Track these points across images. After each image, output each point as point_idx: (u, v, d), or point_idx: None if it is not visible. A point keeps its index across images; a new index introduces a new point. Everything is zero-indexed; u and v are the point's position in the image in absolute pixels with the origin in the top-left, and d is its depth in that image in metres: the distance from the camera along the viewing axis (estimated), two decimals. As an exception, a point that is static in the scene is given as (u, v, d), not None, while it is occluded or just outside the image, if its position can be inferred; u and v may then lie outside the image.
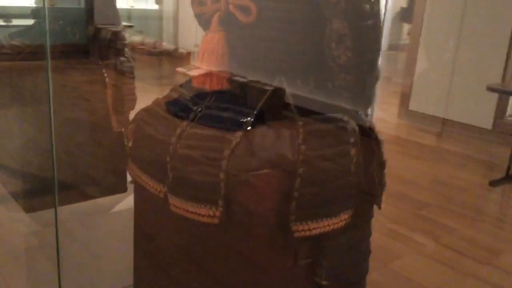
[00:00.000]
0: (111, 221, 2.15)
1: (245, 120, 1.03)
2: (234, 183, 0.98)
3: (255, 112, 1.03)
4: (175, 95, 1.21)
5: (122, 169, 2.04)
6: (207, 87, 1.12)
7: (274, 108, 1.05)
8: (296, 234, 1.05)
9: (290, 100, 1.06)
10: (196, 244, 1.11)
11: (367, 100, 1.08)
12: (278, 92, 1.05)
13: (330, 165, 1.05)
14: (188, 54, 5.31)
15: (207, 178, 1.00)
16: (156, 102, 1.23)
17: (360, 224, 1.17)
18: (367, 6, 0.96)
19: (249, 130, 1.01)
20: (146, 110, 1.23)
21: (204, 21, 1.17)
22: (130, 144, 1.24)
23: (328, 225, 1.08)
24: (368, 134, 1.12)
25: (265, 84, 1.06)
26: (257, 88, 1.06)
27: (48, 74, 1.29)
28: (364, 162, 1.11)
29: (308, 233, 1.06)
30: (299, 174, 1.01)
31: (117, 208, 2.18)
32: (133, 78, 2.01)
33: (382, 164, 1.13)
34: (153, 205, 1.18)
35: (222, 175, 0.98)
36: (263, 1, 1.04)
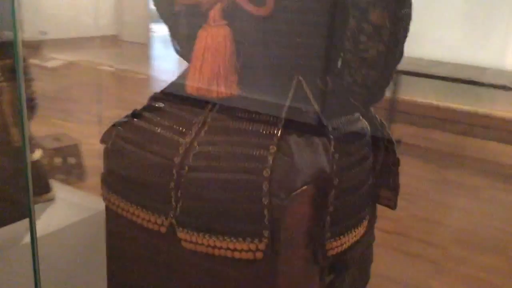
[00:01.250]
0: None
1: (273, 130, 0.87)
2: (278, 207, 0.82)
3: (282, 119, 0.88)
4: (160, 105, 0.99)
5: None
6: (211, 94, 0.92)
7: (298, 113, 0.92)
8: (330, 252, 0.94)
9: (312, 101, 0.93)
10: (214, 280, 0.93)
11: (381, 95, 1.00)
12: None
13: (357, 171, 0.96)
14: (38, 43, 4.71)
15: (244, 206, 0.83)
16: (133, 114, 1.00)
17: (369, 230, 1.11)
18: None
19: (281, 141, 0.86)
20: (123, 124, 0.99)
21: (193, 14, 0.96)
22: (104, 170, 0.99)
23: (355, 236, 1.00)
24: (381, 133, 1.04)
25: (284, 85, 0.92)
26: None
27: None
28: (378, 163, 1.04)
29: (340, 248, 0.96)
30: (334, 186, 0.90)
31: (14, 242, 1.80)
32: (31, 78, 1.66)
33: (395, 164, 1.06)
34: (145, 241, 0.96)
35: (265, 200, 0.82)
36: None
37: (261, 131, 0.88)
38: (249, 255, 0.83)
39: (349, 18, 0.90)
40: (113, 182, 0.98)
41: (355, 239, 1.00)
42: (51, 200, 1.93)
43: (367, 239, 1.10)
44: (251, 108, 0.90)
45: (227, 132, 0.90)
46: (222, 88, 0.91)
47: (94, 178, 3.02)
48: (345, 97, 0.98)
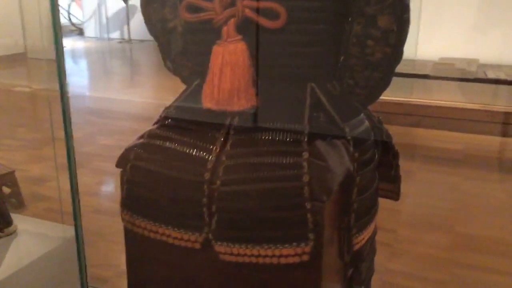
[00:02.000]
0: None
1: (300, 137, 0.91)
2: (320, 209, 0.86)
3: (306, 125, 0.92)
4: (174, 122, 0.99)
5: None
6: (232, 107, 0.94)
7: (317, 118, 0.96)
8: (355, 247, 1.00)
9: (328, 106, 0.98)
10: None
11: (380, 95, 1.08)
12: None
13: (370, 168, 1.02)
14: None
15: (287, 212, 0.86)
16: (150, 134, 0.98)
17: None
18: None
19: (310, 146, 0.90)
20: (140, 146, 0.97)
21: (199, 31, 0.97)
22: (124, 194, 0.97)
23: (371, 230, 1.06)
24: (379, 129, 1.11)
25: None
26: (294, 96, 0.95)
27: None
28: (379, 157, 1.11)
29: (362, 243, 1.02)
30: (356, 184, 0.96)
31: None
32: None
33: (395, 156, 1.14)
34: (176, 260, 0.96)
35: (308, 205, 0.85)
36: (291, 0, 0.92)
37: (287, 139, 0.91)
38: (296, 259, 0.87)
39: (354, 25, 0.96)
40: (137, 205, 0.96)
41: (371, 233, 1.06)
42: (13, 233, 1.83)
43: (374, 232, 1.17)
44: (272, 117, 0.93)
45: (253, 143, 0.92)
46: (243, 100, 0.93)
47: (35, 205, 2.87)
48: (350, 99, 1.04)
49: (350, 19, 0.99)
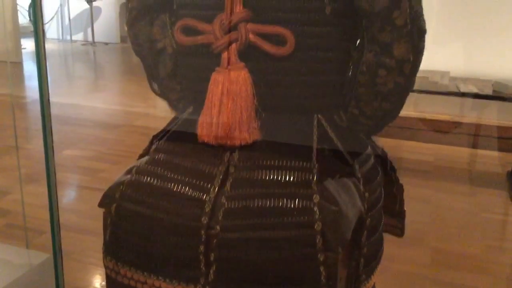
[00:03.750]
0: None
1: (308, 176, 0.82)
2: (333, 260, 0.78)
3: (315, 163, 0.83)
4: (165, 157, 0.88)
5: None
6: (233, 142, 0.84)
7: (325, 155, 0.87)
8: None
9: (335, 140, 0.89)
10: None
11: (386, 125, 1.00)
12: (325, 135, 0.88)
13: (379, 208, 0.95)
14: None
15: (297, 264, 0.77)
16: (138, 170, 0.87)
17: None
18: (424, 21, 0.87)
19: (319, 187, 0.82)
20: (127, 184, 0.86)
21: (201, 54, 0.87)
22: (108, 238, 0.86)
23: (377, 272, 0.99)
24: (383, 160, 1.04)
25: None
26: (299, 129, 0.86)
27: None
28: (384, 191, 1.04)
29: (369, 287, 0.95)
30: (366, 225, 0.88)
31: None
32: None
33: (399, 190, 1.07)
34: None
35: (321, 256, 0.76)
36: (300, 26, 0.83)
37: (294, 179, 0.82)
38: None
39: (365, 53, 0.88)
40: (123, 251, 0.85)
41: (376, 276, 0.98)
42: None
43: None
44: (277, 154, 0.84)
45: (256, 183, 0.83)
46: (245, 134, 0.83)
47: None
48: (356, 131, 0.97)
49: (358, 43, 0.92)
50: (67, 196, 3.14)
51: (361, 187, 0.88)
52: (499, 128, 3.96)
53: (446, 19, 4.06)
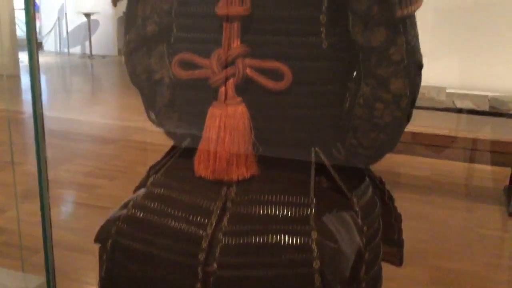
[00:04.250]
0: None
1: (305, 211, 0.82)
2: None
3: (312, 198, 0.83)
4: (162, 191, 0.87)
5: None
6: (231, 177, 0.84)
7: (323, 189, 0.87)
8: None
9: (333, 173, 0.89)
10: None
11: (385, 154, 1.00)
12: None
13: (377, 242, 0.94)
14: None
15: None
16: (135, 204, 0.87)
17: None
18: (421, 56, 0.87)
19: (318, 223, 0.81)
20: (123, 219, 0.86)
21: (198, 88, 0.87)
22: (103, 274, 0.85)
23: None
24: (381, 189, 1.04)
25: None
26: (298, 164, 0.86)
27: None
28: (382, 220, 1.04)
29: None
30: (365, 259, 0.88)
31: None
32: None
33: (397, 219, 1.07)
34: None
35: None
36: (297, 61, 0.83)
37: (292, 214, 0.82)
38: None
39: (362, 86, 0.88)
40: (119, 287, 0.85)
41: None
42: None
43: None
44: (275, 188, 0.84)
45: (253, 219, 0.82)
46: (242, 168, 0.83)
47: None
48: (354, 161, 0.96)
49: (354, 75, 0.92)
50: (63, 213, 3.12)
51: (359, 221, 0.87)
52: (495, 142, 3.97)
53: (441, 33, 4.08)
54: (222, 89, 0.84)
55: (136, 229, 0.85)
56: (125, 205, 0.89)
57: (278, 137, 0.88)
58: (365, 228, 0.88)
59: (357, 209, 0.88)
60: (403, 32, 0.82)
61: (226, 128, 0.82)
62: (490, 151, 3.98)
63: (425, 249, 2.72)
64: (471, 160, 3.90)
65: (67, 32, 8.73)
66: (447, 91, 3.87)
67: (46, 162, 1.47)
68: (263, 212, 0.82)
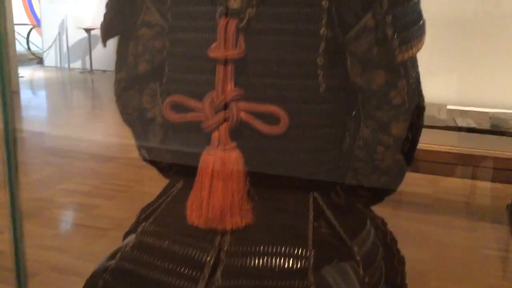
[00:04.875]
0: None
1: (304, 263, 0.78)
2: None
3: (311, 249, 0.79)
4: (153, 241, 0.84)
5: None
6: (224, 226, 0.80)
7: (321, 238, 0.83)
8: None
9: (332, 220, 0.85)
10: None
11: (385, 197, 0.96)
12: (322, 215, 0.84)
13: (382, 284, 0.90)
14: None
15: None
16: (123, 256, 0.83)
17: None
18: (423, 98, 0.84)
19: (316, 276, 0.77)
20: (110, 272, 0.82)
21: (191, 131, 0.84)
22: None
23: None
24: (383, 231, 1.00)
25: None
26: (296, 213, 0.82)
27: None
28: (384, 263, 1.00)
29: None
30: None
31: None
32: None
33: (401, 263, 1.02)
34: None
35: None
36: (294, 104, 0.80)
37: (290, 267, 0.78)
38: None
39: (362, 127, 0.85)
40: None
41: None
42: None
43: None
44: (271, 239, 0.80)
45: (248, 272, 0.78)
46: (237, 217, 0.79)
47: None
48: (354, 205, 0.93)
49: (354, 114, 0.89)
50: (61, 235, 3.08)
51: (361, 271, 0.84)
52: (497, 159, 3.94)
53: (439, 49, 4.06)
54: (216, 133, 0.80)
55: (124, 283, 0.81)
56: (113, 255, 0.85)
57: (275, 183, 0.84)
58: (367, 279, 0.84)
59: (358, 258, 0.84)
60: (404, 75, 0.79)
61: (220, 176, 0.79)
62: (493, 168, 3.95)
63: (427, 270, 2.68)
64: (473, 177, 3.86)
65: (67, 47, 8.74)
66: (448, 108, 3.84)
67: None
68: (258, 264, 0.78)
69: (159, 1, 0.87)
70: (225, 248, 0.80)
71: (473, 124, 3.42)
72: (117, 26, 0.91)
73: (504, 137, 3.41)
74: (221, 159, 0.79)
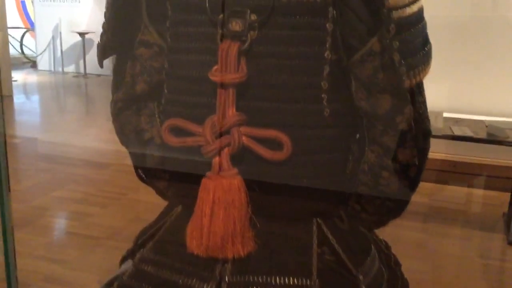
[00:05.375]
0: None
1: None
2: None
3: (315, 280, 0.77)
4: (151, 269, 0.81)
5: None
6: (225, 254, 0.77)
7: (326, 266, 0.81)
8: None
9: (337, 247, 0.83)
10: None
11: (390, 221, 0.94)
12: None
13: None
14: None
15: None
16: (120, 285, 0.80)
17: None
18: (429, 122, 0.82)
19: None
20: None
21: (190, 154, 0.81)
22: None
23: None
24: (387, 255, 0.98)
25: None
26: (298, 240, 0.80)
27: None
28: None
29: None
30: None
31: None
32: None
33: (405, 286, 1.00)
34: None
35: None
36: (297, 129, 0.78)
37: None
38: None
39: (367, 152, 0.83)
40: None
41: None
42: None
43: None
44: (274, 268, 0.78)
45: None
46: (238, 246, 0.77)
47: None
48: (358, 230, 0.90)
49: (358, 137, 0.86)
50: (54, 244, 3.04)
51: None
52: (493, 167, 3.94)
53: (436, 57, 4.05)
54: (216, 159, 0.77)
55: None
56: (111, 283, 0.82)
57: (277, 209, 0.82)
58: None
59: (363, 287, 0.81)
60: (410, 100, 0.77)
61: (221, 203, 0.76)
62: (489, 176, 3.95)
63: (424, 280, 2.66)
64: (469, 185, 3.86)
65: (61, 51, 8.69)
66: (444, 115, 3.83)
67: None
68: None
69: (158, 21, 0.85)
70: (226, 278, 0.78)
71: (469, 133, 3.42)
72: (114, 46, 0.88)
73: (501, 146, 3.40)
74: (222, 186, 0.76)
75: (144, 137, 0.92)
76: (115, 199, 3.59)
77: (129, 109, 0.92)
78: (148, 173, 0.98)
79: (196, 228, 0.78)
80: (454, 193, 3.96)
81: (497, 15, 3.88)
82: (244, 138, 0.77)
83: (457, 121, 3.79)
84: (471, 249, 3.07)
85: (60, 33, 8.63)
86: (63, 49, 8.69)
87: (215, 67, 0.77)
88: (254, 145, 0.77)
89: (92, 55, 8.63)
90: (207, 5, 0.77)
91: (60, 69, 8.79)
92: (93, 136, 5.32)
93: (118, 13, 0.85)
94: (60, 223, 3.34)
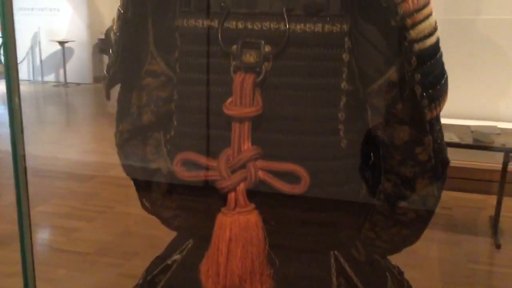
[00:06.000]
0: None
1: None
2: None
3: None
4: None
5: None
6: (244, 291, 0.75)
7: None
8: None
9: (355, 280, 0.81)
10: None
11: (403, 248, 0.93)
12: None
13: None
14: None
15: None
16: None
17: None
18: (447, 151, 0.81)
19: None
20: None
21: (204, 189, 0.79)
22: None
23: None
24: (400, 281, 0.96)
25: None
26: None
27: None
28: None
29: None
30: None
31: None
32: None
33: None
34: None
35: None
36: (314, 162, 0.76)
37: None
38: None
39: (383, 181, 0.81)
40: None
41: None
42: None
43: None
44: None
45: None
46: (257, 284, 0.74)
47: None
48: (374, 260, 0.89)
49: (371, 162, 0.85)
50: (40, 261, 2.96)
51: None
52: (480, 170, 3.98)
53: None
54: (232, 195, 0.75)
55: None
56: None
57: (295, 243, 0.80)
58: None
59: None
60: (430, 131, 0.76)
61: (238, 241, 0.74)
62: (475, 180, 3.99)
63: (414, 286, 2.66)
64: (456, 188, 3.89)
65: (41, 61, 8.55)
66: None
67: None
68: None
69: (166, 51, 0.82)
70: None
71: (456, 139, 3.45)
72: (119, 76, 0.85)
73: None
74: (239, 223, 0.74)
75: (150, 168, 0.89)
76: (101, 212, 3.52)
77: (134, 139, 0.89)
78: (154, 204, 0.95)
79: (212, 266, 0.75)
80: (442, 197, 3.98)
81: (480, 19, 3.93)
82: (260, 172, 0.75)
83: (443, 127, 3.81)
84: (461, 254, 3.09)
85: (39, 42, 8.48)
86: (43, 58, 8.55)
87: (229, 99, 0.74)
88: (271, 179, 0.75)
89: (72, 64, 8.56)
90: (219, 36, 0.75)
91: (40, 78, 8.64)
92: (76, 147, 5.24)
93: (126, 45, 0.82)
94: (46, 239, 3.27)
